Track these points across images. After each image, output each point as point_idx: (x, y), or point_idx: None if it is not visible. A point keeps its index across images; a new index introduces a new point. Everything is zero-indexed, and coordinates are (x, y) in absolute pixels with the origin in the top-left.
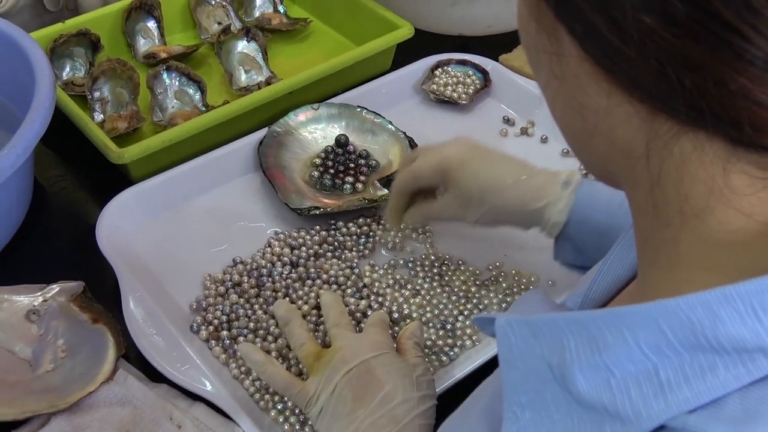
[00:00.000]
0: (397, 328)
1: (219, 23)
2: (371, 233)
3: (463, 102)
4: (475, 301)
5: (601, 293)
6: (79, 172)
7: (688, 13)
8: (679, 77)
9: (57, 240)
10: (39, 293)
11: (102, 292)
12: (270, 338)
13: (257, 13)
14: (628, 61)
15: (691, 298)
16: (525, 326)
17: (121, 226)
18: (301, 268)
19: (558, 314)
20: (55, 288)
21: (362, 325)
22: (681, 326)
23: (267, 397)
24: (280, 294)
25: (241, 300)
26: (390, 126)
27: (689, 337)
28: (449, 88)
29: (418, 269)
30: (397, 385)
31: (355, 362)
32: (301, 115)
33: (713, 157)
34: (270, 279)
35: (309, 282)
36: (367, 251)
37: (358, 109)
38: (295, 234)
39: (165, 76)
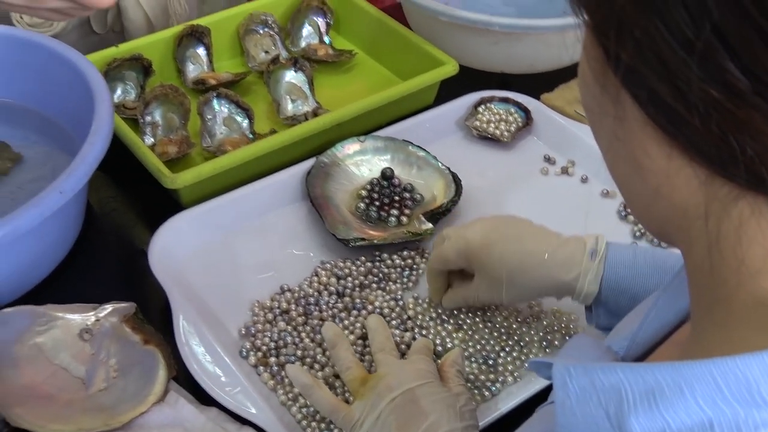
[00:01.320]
0: (440, 361)
1: (266, 52)
2: (415, 266)
3: (505, 139)
4: (516, 337)
5: (648, 338)
6: (128, 193)
7: (750, 86)
8: (740, 145)
9: (107, 260)
10: (92, 313)
11: (152, 314)
12: (317, 366)
13: (303, 44)
14: (691, 128)
15: (748, 357)
16: (583, 373)
17: (173, 249)
18: (347, 298)
19: (616, 364)
20: (107, 308)
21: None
22: (737, 382)
23: (314, 424)
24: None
25: (289, 327)
26: (434, 161)
27: (744, 394)
28: (492, 125)
29: None
30: (441, 415)
31: (400, 390)
32: (347, 147)
33: None
34: (317, 308)
35: (354, 312)
36: (410, 284)
37: (404, 143)
38: (341, 264)
39: (215, 103)
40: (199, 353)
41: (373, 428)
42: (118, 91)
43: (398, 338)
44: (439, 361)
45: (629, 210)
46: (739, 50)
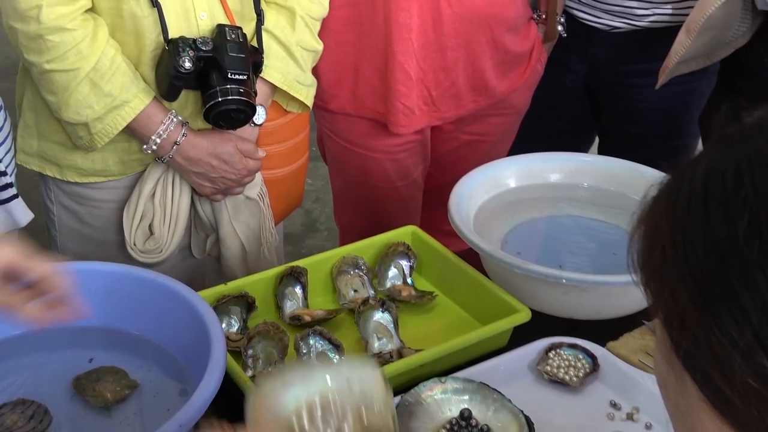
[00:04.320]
0: None
1: (355, 290)
2: None
3: (574, 384)
4: None
5: None
6: (226, 416)
7: None
8: None
9: None
10: None
11: None
12: None
13: (389, 284)
14: (736, 407)
15: None
16: None
17: None
18: None
19: None
20: None
21: None
22: None
23: None
24: None
25: None
26: (509, 403)
27: None
28: (561, 370)
29: None
30: None
31: None
32: (430, 388)
33: None
34: None
35: None
36: None
37: (481, 385)
38: None
39: (311, 339)
40: None
41: None
42: (223, 324)
43: None
44: None
45: None
46: None
